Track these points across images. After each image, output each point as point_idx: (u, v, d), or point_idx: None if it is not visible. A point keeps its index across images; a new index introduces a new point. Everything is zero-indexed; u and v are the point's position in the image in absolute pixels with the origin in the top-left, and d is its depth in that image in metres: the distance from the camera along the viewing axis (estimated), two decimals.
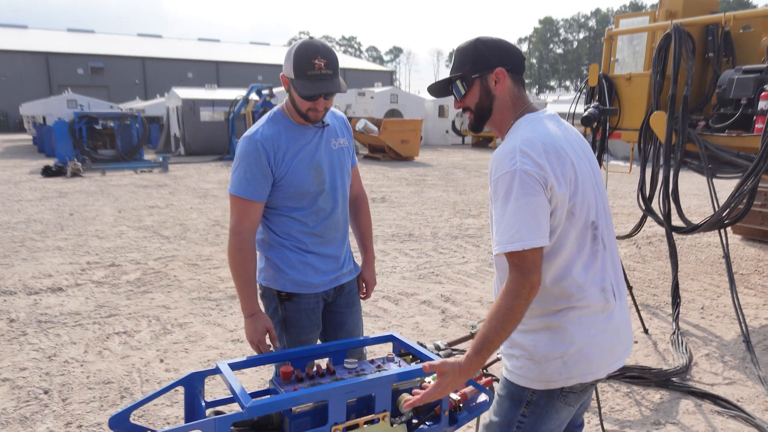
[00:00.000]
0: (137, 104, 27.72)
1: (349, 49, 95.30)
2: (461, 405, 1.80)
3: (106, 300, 4.60)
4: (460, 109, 1.59)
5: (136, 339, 3.82)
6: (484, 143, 23.79)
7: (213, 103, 19.00)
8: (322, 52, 1.79)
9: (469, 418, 1.81)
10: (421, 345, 1.97)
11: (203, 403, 1.60)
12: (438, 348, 2.00)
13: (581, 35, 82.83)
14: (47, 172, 13.17)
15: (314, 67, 1.77)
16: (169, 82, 34.37)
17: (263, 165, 1.86)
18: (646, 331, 3.86)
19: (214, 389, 3.16)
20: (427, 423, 1.77)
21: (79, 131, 15.02)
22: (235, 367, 1.68)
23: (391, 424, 1.67)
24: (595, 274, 1.42)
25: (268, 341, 1.96)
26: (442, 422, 1.73)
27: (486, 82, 1.48)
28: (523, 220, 1.27)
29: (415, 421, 1.74)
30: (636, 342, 3.73)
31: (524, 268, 1.29)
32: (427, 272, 5.40)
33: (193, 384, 1.62)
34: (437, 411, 1.74)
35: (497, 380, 1.65)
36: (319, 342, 2.15)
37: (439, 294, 4.74)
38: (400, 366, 1.81)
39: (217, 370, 1.65)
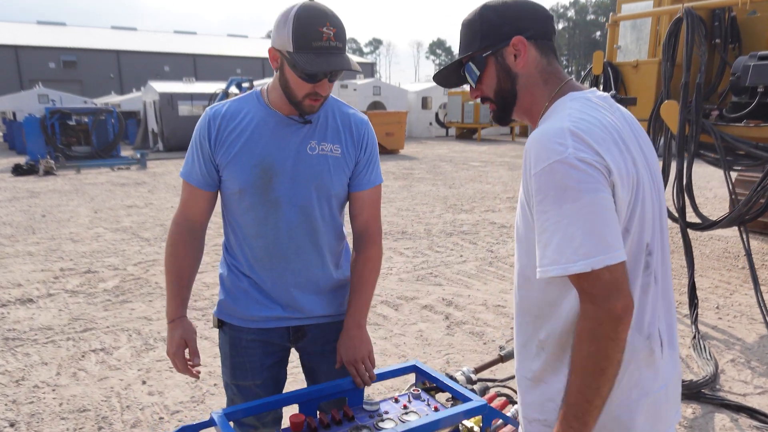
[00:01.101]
0: (113, 99, 26.93)
1: None
2: None
3: (82, 312, 4.24)
4: (476, 99, 1.24)
5: (115, 357, 3.48)
6: (468, 135, 23.60)
7: (191, 97, 18.44)
8: (331, 18, 1.38)
9: None
10: (450, 377, 1.70)
11: None
12: (470, 381, 1.72)
13: (560, 26, 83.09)
14: (18, 170, 12.58)
15: (322, 37, 1.36)
16: (145, 76, 33.48)
17: (204, 145, 1.53)
18: None
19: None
20: None
21: (52, 127, 14.41)
22: (233, 416, 1.38)
23: None
24: (641, 315, 1.06)
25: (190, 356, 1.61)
26: None
27: (502, 58, 1.15)
28: (590, 228, 0.93)
29: None
30: None
31: (600, 295, 0.93)
32: (425, 273, 5.13)
33: None
34: None
35: None
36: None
37: (440, 297, 4.47)
38: (429, 404, 1.54)
39: (211, 422, 1.35)
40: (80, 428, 2.71)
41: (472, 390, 1.61)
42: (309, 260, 1.58)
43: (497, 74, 1.16)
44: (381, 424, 1.41)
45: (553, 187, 0.96)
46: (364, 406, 1.51)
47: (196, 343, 1.60)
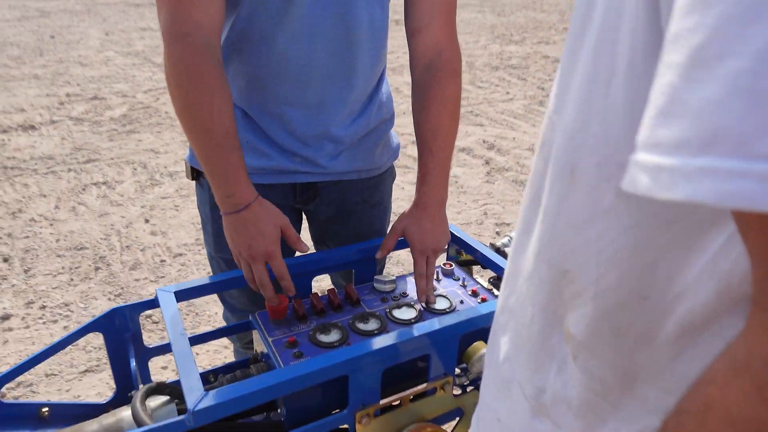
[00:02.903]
0: None
1: None
2: None
3: (85, 141, 3.89)
4: None
5: (118, 192, 3.18)
6: None
7: None
8: None
9: None
10: (496, 249, 1.24)
11: (133, 365, 0.93)
12: None
13: None
14: None
15: None
16: None
17: None
18: None
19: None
20: None
21: None
22: (183, 296, 0.97)
23: (457, 389, 1.01)
24: None
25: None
26: None
27: None
28: None
29: None
30: None
31: None
32: (464, 111, 4.51)
33: (115, 328, 0.94)
34: None
35: None
36: None
37: (480, 139, 3.92)
38: (465, 286, 1.10)
39: (155, 303, 0.95)
40: (76, 267, 2.48)
41: None
42: (332, 87, 1.01)
43: None
44: (396, 313, 1.00)
45: None
46: (375, 285, 1.09)
47: (293, 227, 0.99)
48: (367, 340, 0.86)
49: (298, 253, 1.07)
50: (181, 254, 2.58)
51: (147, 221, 2.87)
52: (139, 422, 0.74)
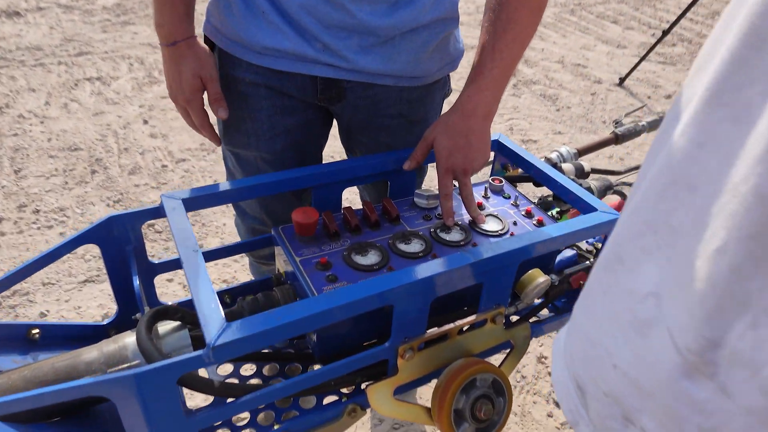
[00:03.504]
0: None
1: None
2: None
3: (76, 32, 3.58)
4: None
5: (113, 89, 2.95)
6: None
7: None
8: None
9: None
10: (552, 163, 1.08)
11: (137, 283, 0.80)
12: (581, 172, 1.09)
13: None
14: None
15: None
16: None
17: None
18: None
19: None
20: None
21: None
22: (193, 204, 0.82)
23: (506, 321, 0.89)
24: None
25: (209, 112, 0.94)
26: None
27: None
28: None
29: (539, 300, 0.95)
30: None
31: None
32: None
33: (114, 239, 0.79)
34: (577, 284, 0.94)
35: None
36: None
37: None
38: (517, 206, 0.95)
39: (159, 211, 0.80)
40: (71, 169, 2.32)
41: (589, 189, 1.01)
42: None
43: None
44: (442, 234, 0.85)
45: None
46: (416, 200, 0.93)
47: (218, 81, 0.92)
48: (414, 265, 0.72)
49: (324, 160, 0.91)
50: (183, 159, 2.41)
51: (146, 122, 2.67)
52: (146, 354, 0.61)
